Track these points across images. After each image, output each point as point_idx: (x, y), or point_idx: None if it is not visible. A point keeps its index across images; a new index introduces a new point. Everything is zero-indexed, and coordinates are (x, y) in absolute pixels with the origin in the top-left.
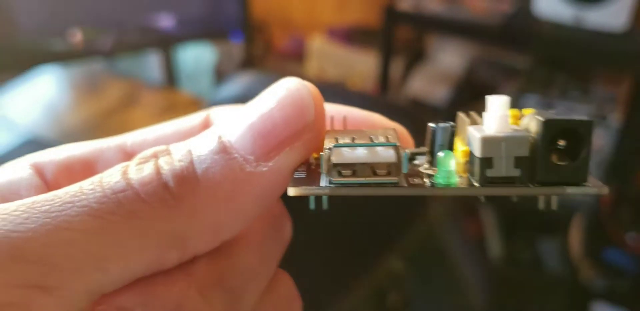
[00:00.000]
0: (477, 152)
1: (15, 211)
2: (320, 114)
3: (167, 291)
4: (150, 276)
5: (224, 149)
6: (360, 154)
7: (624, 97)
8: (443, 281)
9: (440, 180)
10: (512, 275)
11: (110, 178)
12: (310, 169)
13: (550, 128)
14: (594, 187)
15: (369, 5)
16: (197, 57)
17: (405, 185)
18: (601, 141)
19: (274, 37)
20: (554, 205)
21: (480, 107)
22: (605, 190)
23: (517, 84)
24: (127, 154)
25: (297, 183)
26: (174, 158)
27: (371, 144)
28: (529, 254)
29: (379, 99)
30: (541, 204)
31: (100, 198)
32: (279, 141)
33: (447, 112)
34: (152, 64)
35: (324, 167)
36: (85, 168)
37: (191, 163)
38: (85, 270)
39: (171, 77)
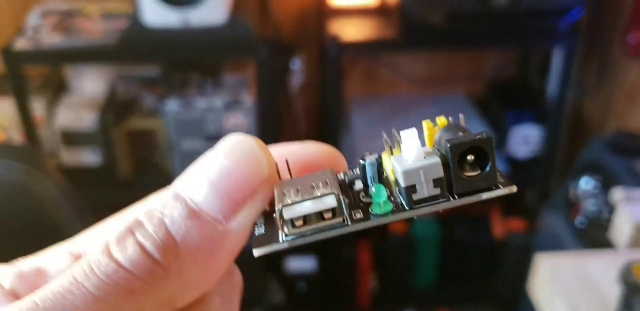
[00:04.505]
0: (402, 183)
1: None
2: (272, 165)
3: None
4: None
5: (194, 214)
6: (307, 206)
7: (251, 79)
8: None
9: (377, 210)
10: None
11: (99, 262)
12: (267, 220)
13: (456, 150)
14: (504, 188)
15: None
16: None
17: (349, 223)
18: (241, 120)
19: None
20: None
21: (128, 123)
22: (513, 189)
23: (157, 91)
24: (75, 256)
25: (259, 243)
26: (149, 230)
27: (314, 197)
28: None
29: None
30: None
31: (98, 284)
32: (241, 197)
33: (100, 134)
34: None
35: (278, 224)
36: (38, 274)
37: (168, 232)
38: None
39: None
